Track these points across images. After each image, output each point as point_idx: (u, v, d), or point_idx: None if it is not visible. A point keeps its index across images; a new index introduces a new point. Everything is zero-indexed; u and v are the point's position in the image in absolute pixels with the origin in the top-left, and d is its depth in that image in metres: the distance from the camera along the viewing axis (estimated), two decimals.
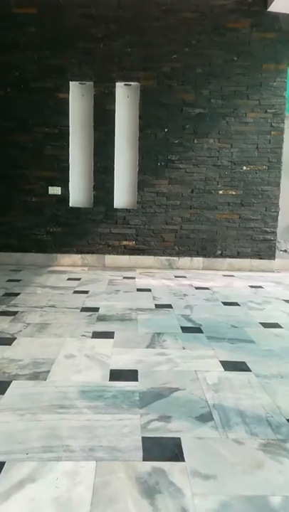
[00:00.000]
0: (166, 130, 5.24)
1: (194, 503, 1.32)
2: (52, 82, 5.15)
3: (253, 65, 5.15)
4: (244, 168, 5.32)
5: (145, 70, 5.14)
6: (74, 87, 5.23)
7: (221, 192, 5.35)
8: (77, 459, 1.52)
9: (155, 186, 5.35)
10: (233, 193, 5.36)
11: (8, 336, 2.76)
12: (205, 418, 1.81)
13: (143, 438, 1.66)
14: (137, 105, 5.25)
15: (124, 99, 5.29)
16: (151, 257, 5.46)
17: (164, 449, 1.59)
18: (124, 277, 4.81)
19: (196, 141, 5.28)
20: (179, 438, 1.66)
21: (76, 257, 5.44)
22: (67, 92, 5.20)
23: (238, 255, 5.47)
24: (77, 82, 5.21)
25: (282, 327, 3.11)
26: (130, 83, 5.20)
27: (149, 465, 1.50)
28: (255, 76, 5.17)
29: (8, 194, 5.32)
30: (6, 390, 2.01)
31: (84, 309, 3.44)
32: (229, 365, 2.38)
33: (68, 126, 5.26)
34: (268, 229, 5.42)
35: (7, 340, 2.68)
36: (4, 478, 1.42)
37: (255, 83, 5.18)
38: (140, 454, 1.56)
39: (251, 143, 5.29)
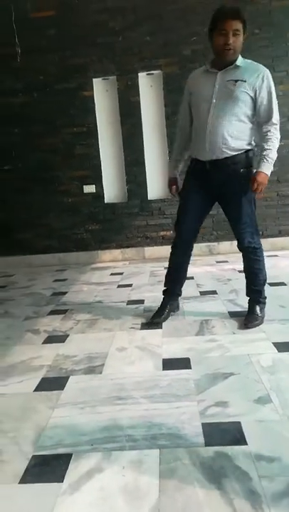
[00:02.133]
0: None
1: (262, 486, 1.31)
2: (75, 81, 5.19)
3: (276, 34, 4.94)
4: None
5: (166, 56, 5.07)
6: (97, 83, 5.24)
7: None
8: (141, 447, 1.55)
9: None
10: None
11: (61, 334, 2.85)
12: (263, 401, 1.80)
13: (203, 424, 1.66)
14: (161, 93, 5.20)
15: (148, 88, 5.25)
16: None
17: (225, 434, 1.59)
18: (165, 267, 4.79)
19: None
20: (239, 422, 1.66)
21: (116, 252, 5.50)
22: (92, 90, 5.22)
23: (280, 234, 5.33)
24: (100, 79, 5.22)
25: None
26: (152, 72, 5.15)
27: (212, 450, 1.50)
28: (279, 46, 4.96)
29: (45, 197, 5.44)
30: (65, 385, 2.08)
31: (130, 302, 3.49)
32: (282, 346, 2.34)
33: (96, 124, 5.29)
34: None
35: (60, 338, 2.77)
36: (73, 469, 1.47)
37: (281, 53, 4.98)
38: (202, 439, 1.57)
39: (283, 116, 5.08)
